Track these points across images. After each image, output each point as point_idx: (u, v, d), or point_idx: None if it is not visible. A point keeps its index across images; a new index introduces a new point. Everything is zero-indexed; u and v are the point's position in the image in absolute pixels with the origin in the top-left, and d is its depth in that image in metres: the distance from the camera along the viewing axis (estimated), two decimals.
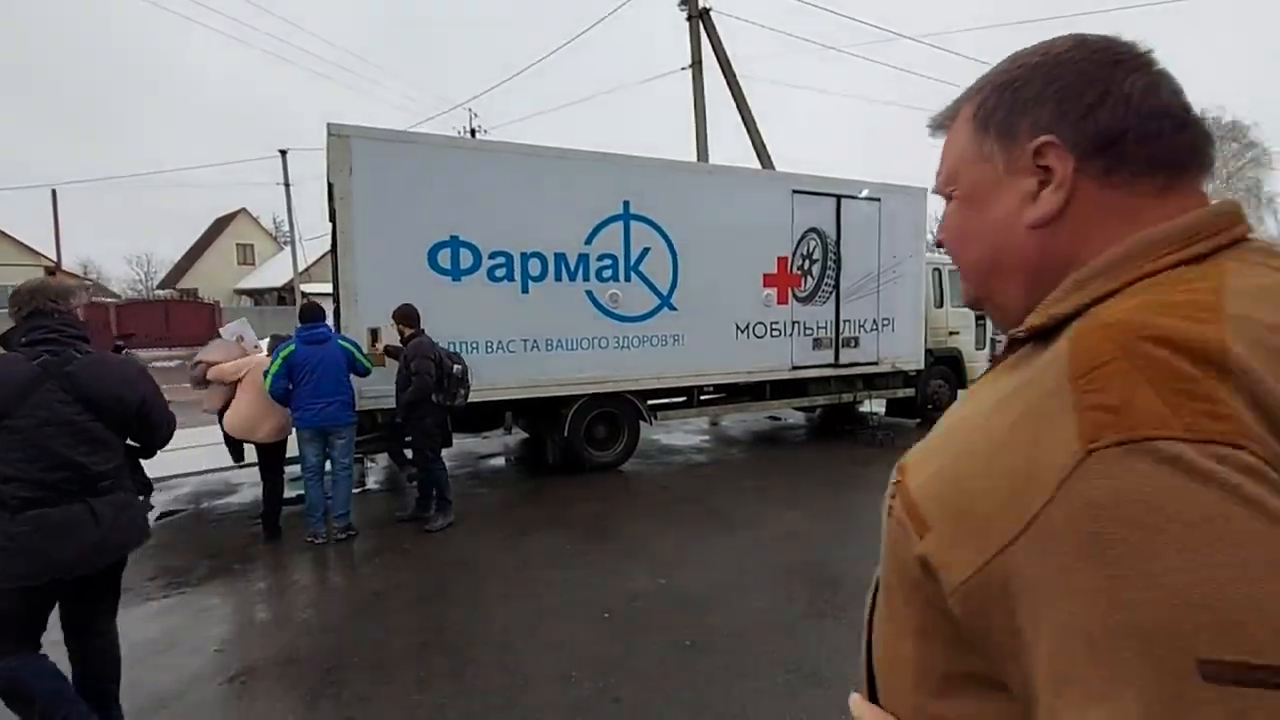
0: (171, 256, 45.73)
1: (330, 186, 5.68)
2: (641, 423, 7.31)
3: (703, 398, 7.89)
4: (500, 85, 41.51)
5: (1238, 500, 0.38)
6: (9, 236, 27.01)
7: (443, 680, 3.04)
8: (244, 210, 41.68)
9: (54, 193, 31.61)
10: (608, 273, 6.74)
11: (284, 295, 31.07)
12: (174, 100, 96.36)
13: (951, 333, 9.71)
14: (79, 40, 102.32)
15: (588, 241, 6.62)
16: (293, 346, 4.89)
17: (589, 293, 6.66)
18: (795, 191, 7.77)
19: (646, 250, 6.91)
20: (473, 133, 25.55)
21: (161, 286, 43.20)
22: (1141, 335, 0.44)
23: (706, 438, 9.14)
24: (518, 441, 8.44)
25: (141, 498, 2.64)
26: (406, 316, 5.27)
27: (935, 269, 9.57)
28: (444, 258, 5.99)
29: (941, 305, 9.61)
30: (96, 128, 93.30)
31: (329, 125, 5.53)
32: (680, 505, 5.85)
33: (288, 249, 28.87)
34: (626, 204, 6.77)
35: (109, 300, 31.21)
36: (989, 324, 10.19)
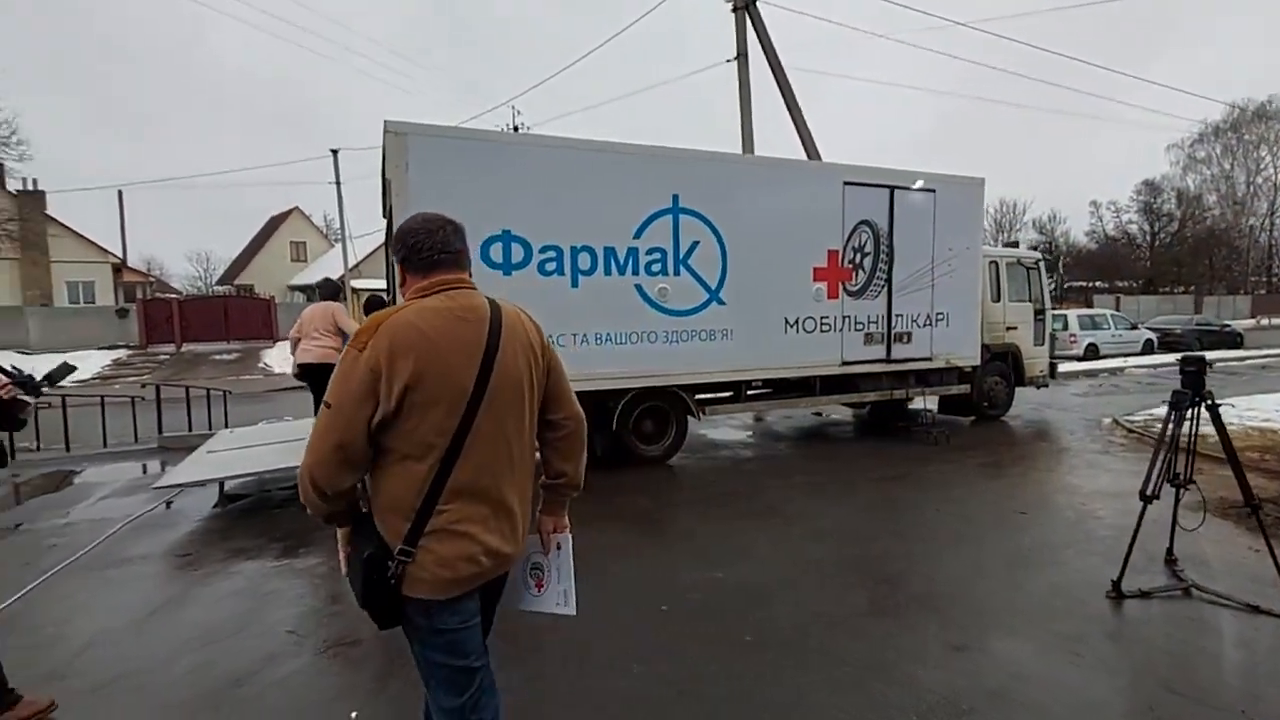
0: (229, 254, 47.63)
1: (386, 182, 5.79)
2: (689, 418, 7.29)
3: (750, 393, 7.81)
4: (544, 83, 42.01)
5: (350, 360, 1.54)
6: (79, 235, 28.41)
7: (506, 665, 3.07)
8: (297, 209, 43.04)
9: (120, 193, 33.21)
10: (656, 266, 6.73)
11: None
12: (229, 103, 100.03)
13: (1009, 328, 9.40)
14: (147, 51, 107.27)
15: (637, 235, 6.61)
16: None
17: (638, 286, 6.66)
18: (847, 183, 7.62)
19: (695, 244, 6.87)
20: (516, 130, 25.78)
21: (220, 283, 44.98)
22: (375, 319, 1.58)
23: (751, 433, 9.06)
24: None
25: None
26: None
27: (992, 262, 9.28)
28: (496, 251, 6.06)
29: (999, 299, 9.31)
30: (159, 131, 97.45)
31: (386, 122, 5.64)
32: (731, 500, 5.81)
33: (338, 246, 29.67)
34: (675, 197, 6.74)
35: (172, 296, 32.64)
36: (1048, 319, 9.85)
